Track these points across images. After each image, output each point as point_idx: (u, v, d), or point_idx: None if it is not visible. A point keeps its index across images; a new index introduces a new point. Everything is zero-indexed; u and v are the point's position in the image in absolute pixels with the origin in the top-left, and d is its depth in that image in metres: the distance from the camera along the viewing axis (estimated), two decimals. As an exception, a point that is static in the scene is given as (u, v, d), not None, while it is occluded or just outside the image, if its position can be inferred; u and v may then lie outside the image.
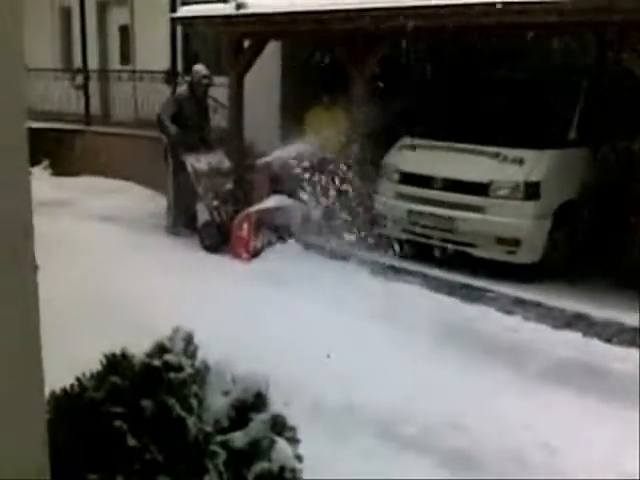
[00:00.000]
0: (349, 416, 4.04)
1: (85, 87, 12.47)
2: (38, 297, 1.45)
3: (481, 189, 6.58)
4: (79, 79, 12.57)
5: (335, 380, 4.31)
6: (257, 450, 2.14)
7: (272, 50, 9.14)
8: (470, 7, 6.30)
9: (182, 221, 8.37)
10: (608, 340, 5.31)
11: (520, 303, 6.02)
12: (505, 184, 6.61)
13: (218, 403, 2.30)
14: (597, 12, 5.94)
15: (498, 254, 6.52)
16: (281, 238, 7.57)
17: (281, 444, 2.18)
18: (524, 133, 6.83)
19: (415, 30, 7.23)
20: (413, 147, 7.42)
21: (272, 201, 7.68)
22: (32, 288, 1.43)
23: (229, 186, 8.17)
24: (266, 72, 8.91)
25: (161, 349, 2.23)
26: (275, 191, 8.01)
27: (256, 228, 7.45)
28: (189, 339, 2.42)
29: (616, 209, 6.71)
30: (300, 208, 7.57)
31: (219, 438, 2.11)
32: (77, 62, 12.93)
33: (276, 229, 7.63)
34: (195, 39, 11.29)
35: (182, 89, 8.59)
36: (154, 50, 11.19)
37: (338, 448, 3.63)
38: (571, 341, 5.27)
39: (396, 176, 7.28)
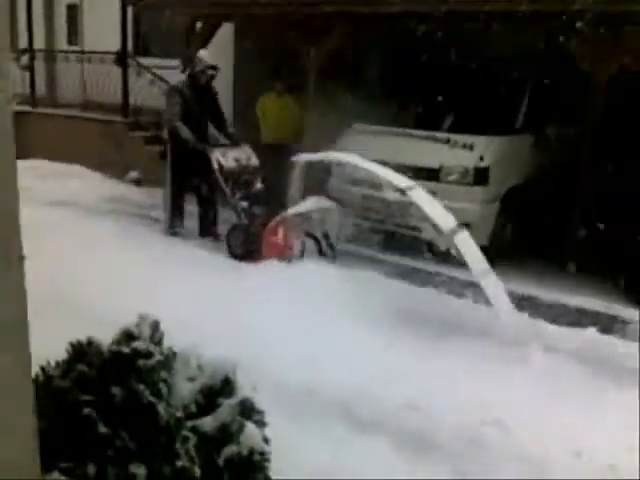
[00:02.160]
0: (310, 399, 4.11)
1: (31, 68, 12.14)
2: (25, 286, 1.47)
3: (432, 174, 6.72)
4: (25, 59, 12.22)
5: (294, 364, 4.37)
6: (226, 434, 2.20)
7: (225, 33, 9.08)
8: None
9: (180, 222, 7.67)
10: (554, 321, 5.53)
11: (470, 286, 6.20)
12: (455, 169, 6.78)
13: (185, 389, 2.35)
14: (546, 2, 6.15)
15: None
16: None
17: (250, 428, 2.24)
18: (474, 120, 7.00)
19: (368, 16, 7.31)
20: (364, 132, 7.51)
21: (311, 203, 6.64)
22: (19, 277, 1.46)
23: (259, 185, 7.32)
24: (219, 55, 8.84)
25: (129, 336, 2.26)
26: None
27: (292, 234, 6.59)
28: (155, 326, 2.46)
29: (560, 193, 6.97)
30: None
31: (189, 423, 2.17)
32: (23, 42, 12.56)
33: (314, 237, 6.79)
34: (146, 20, 11.11)
35: (179, 81, 7.60)
36: (103, 31, 10.96)
37: (299, 430, 3.70)
38: (519, 322, 5.46)
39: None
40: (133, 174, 10.20)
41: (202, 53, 7.44)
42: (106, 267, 5.83)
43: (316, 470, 3.29)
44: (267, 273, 6.01)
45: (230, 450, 2.19)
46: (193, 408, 2.25)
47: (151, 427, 2.11)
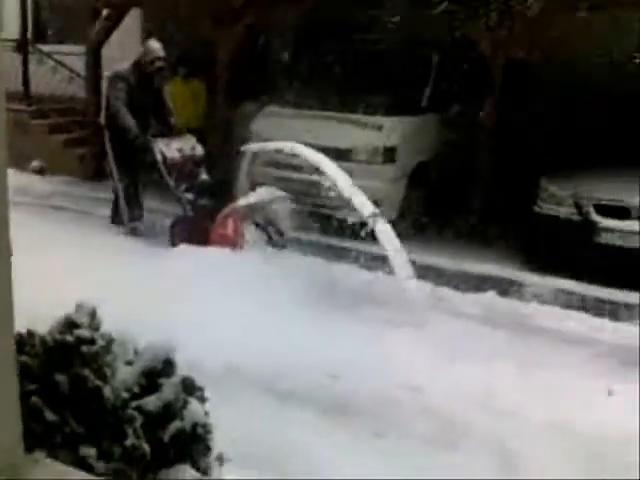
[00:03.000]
0: (233, 378, 4.28)
1: None
2: (12, 281, 1.58)
3: (344, 154, 6.97)
4: None
5: (216, 347, 4.50)
6: (171, 411, 2.35)
7: (133, 18, 8.96)
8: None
9: (135, 214, 7.31)
10: (456, 287, 5.92)
11: (381, 260, 6.53)
12: (364, 149, 7.07)
13: (126, 372, 2.49)
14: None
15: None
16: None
17: (192, 403, 2.41)
18: (382, 101, 7.30)
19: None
20: (277, 115, 7.67)
21: (263, 193, 6.56)
22: (7, 273, 1.56)
23: (205, 176, 7.09)
24: (126, 42, 8.75)
25: (71, 324, 2.37)
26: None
27: (242, 225, 6.42)
28: (93, 313, 2.57)
29: (463, 168, 7.41)
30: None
31: (134, 403, 2.31)
32: None
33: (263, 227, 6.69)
34: (46, 6, 10.78)
35: (122, 68, 7.14)
36: (2, 17, 10.53)
37: (225, 406, 3.88)
38: (425, 289, 5.81)
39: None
40: (35, 163, 9.95)
41: (152, 43, 7.10)
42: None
43: (245, 440, 3.48)
44: (194, 259, 5.98)
45: (175, 426, 2.34)
46: (136, 389, 2.39)
47: (98, 410, 2.23)
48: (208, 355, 4.20)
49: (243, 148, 6.60)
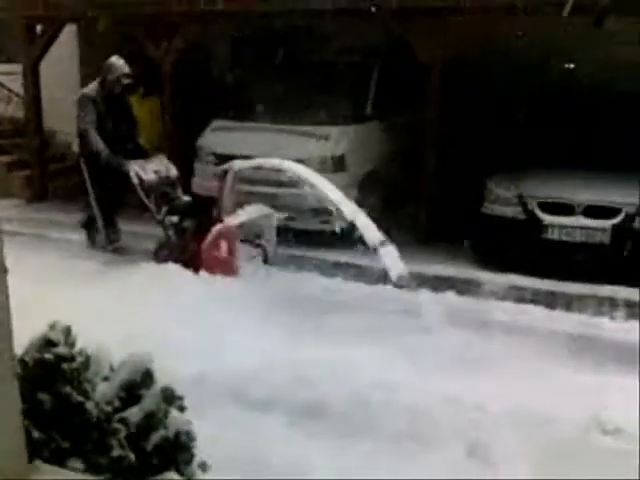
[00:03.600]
0: (201, 387, 4.29)
1: None
2: (8, 296, 1.60)
3: (294, 165, 7.05)
4: None
5: (183, 356, 4.51)
6: (153, 421, 2.38)
7: (69, 35, 8.86)
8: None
9: (113, 237, 7.16)
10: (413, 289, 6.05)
11: (339, 266, 6.64)
12: (315, 159, 7.16)
13: (105, 387, 2.49)
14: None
15: (315, 225, 7.06)
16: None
17: (174, 413, 2.43)
18: (328, 111, 7.43)
19: (219, 13, 7.50)
20: (226, 129, 7.71)
21: (252, 211, 6.42)
22: (3, 288, 1.58)
23: (186, 198, 6.83)
24: (64, 58, 8.65)
25: (48, 343, 2.37)
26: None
27: (236, 246, 6.21)
28: (68, 332, 2.57)
29: (409, 173, 7.59)
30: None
31: (117, 416, 2.33)
32: None
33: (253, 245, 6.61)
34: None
35: (89, 89, 6.93)
36: None
37: (196, 416, 3.89)
38: (384, 293, 5.92)
39: (211, 158, 7.54)
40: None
41: (114, 60, 6.85)
42: None
43: (217, 449, 3.50)
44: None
45: (158, 435, 2.37)
46: (117, 403, 2.40)
47: (83, 424, 2.24)
48: (178, 368, 4.22)
49: (227, 166, 6.43)
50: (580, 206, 6.39)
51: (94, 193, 7.00)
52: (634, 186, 6.21)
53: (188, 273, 5.96)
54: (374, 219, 7.51)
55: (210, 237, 6.05)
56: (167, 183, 6.80)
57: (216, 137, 7.66)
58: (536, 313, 5.48)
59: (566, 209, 6.43)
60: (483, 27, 7.11)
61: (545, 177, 6.69)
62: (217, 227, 6.12)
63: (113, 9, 8.00)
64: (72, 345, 2.54)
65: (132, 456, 2.24)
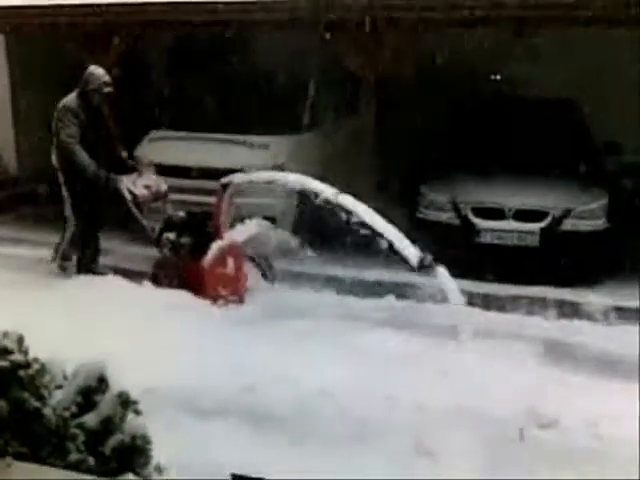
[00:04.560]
0: (152, 397, 4.30)
1: None
2: None
3: (235, 175, 7.11)
4: None
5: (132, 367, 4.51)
6: (110, 425, 2.41)
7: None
8: (209, 4, 6.80)
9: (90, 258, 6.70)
10: (356, 295, 6.19)
11: (287, 274, 6.70)
12: (254, 168, 7.22)
13: (60, 394, 2.52)
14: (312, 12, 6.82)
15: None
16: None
17: (130, 417, 2.47)
18: (267, 121, 7.52)
19: (157, 23, 7.51)
20: (164, 139, 7.71)
21: (254, 226, 6.22)
22: None
23: (181, 213, 6.47)
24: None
25: (3, 350, 2.37)
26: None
27: (243, 262, 5.99)
28: (20, 340, 2.58)
29: (348, 183, 7.72)
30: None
31: (75, 422, 2.35)
32: None
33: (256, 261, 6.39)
34: None
35: (69, 100, 6.55)
36: None
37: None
38: (329, 298, 6.10)
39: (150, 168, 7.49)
40: None
41: (93, 68, 6.54)
42: None
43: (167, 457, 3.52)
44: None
45: (115, 439, 2.40)
46: (74, 409, 2.42)
47: (41, 430, 2.26)
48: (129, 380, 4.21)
49: (226, 180, 6.19)
50: (511, 210, 6.66)
51: (73, 212, 6.58)
52: (560, 189, 6.55)
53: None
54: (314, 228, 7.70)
55: (213, 254, 5.81)
56: (158, 198, 6.57)
57: (154, 147, 7.65)
58: (472, 314, 5.68)
59: (498, 213, 6.70)
60: (414, 40, 7.37)
61: (476, 182, 6.94)
62: (220, 243, 5.89)
63: (47, 18, 7.90)
64: (26, 353, 2.56)
65: (91, 459, 2.27)
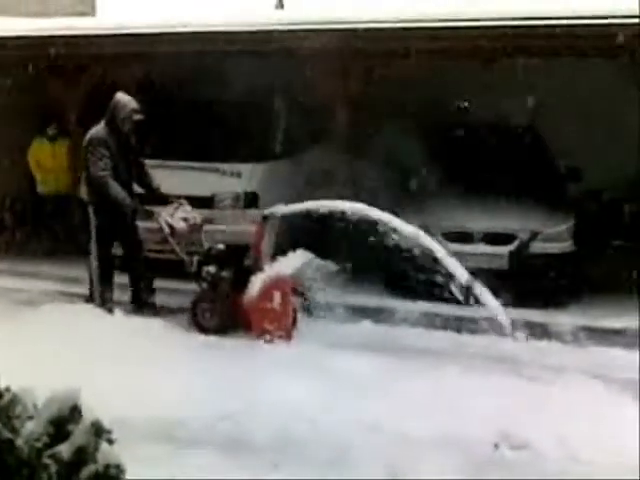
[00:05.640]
0: (124, 429, 4.26)
1: None
2: None
3: (207, 202, 7.16)
4: None
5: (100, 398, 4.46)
6: (83, 455, 2.41)
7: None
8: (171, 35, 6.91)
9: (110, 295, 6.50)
10: (323, 317, 6.15)
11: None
12: (227, 195, 7.31)
13: (31, 425, 2.51)
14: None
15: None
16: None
17: (103, 446, 2.47)
18: (239, 149, 7.61)
19: (123, 56, 7.57)
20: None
21: (300, 258, 6.01)
22: None
23: (220, 246, 6.27)
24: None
25: (-26, 383, 2.37)
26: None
27: (289, 297, 5.82)
28: (-8, 372, 2.58)
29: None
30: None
31: (47, 452, 2.35)
32: None
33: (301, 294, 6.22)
34: None
35: (97, 131, 6.35)
36: None
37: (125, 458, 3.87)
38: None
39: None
40: None
41: (120, 96, 6.32)
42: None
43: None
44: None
45: (88, 469, 2.40)
46: (46, 439, 2.42)
47: (12, 462, 2.26)
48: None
49: (268, 212, 6.09)
50: (479, 234, 6.78)
51: (97, 246, 6.38)
52: (528, 213, 6.68)
53: None
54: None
55: (258, 288, 5.63)
56: (193, 230, 6.38)
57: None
58: (445, 337, 5.75)
59: (467, 237, 6.81)
60: (384, 70, 7.53)
61: (445, 207, 7.04)
62: (263, 276, 5.71)
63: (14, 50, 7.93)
64: (-5, 385, 2.56)
65: (64, 489, 2.27)
